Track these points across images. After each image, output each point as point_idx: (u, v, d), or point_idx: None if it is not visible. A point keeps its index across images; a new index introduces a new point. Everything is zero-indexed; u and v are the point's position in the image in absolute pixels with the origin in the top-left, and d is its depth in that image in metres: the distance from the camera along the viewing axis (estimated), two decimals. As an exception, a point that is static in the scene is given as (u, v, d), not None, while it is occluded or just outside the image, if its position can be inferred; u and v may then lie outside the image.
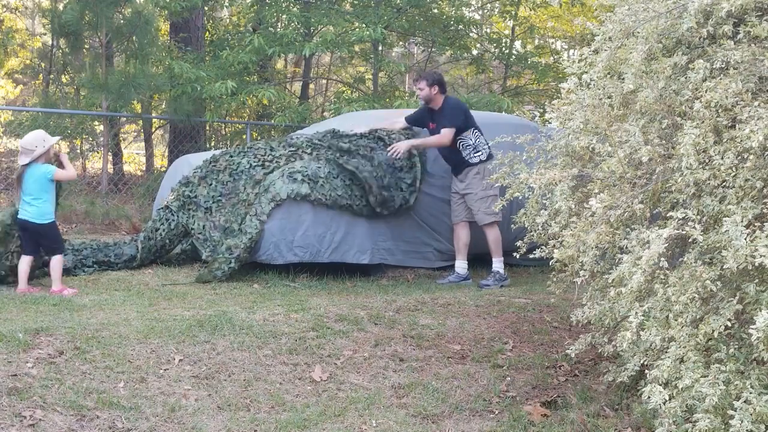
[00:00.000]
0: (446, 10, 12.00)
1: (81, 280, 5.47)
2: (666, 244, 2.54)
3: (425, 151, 6.37)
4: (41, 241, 5.25)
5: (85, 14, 8.54)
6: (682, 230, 2.55)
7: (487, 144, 6.01)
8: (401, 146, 6.05)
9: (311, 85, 14.69)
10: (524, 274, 6.57)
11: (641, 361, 2.83)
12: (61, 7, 9.27)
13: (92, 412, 3.17)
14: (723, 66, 2.78)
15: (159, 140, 15.41)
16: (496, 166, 4.34)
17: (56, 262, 5.18)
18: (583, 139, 3.21)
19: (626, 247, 2.79)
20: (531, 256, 3.68)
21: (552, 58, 13.27)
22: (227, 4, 11.85)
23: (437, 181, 6.40)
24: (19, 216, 5.21)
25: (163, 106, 11.07)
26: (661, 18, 3.00)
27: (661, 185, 2.85)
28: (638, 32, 3.06)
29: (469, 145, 6.07)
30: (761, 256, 2.27)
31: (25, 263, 5.18)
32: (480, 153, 6.06)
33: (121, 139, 12.72)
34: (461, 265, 6.22)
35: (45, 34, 13.45)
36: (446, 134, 6.04)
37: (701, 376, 2.44)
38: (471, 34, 12.53)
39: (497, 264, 6.10)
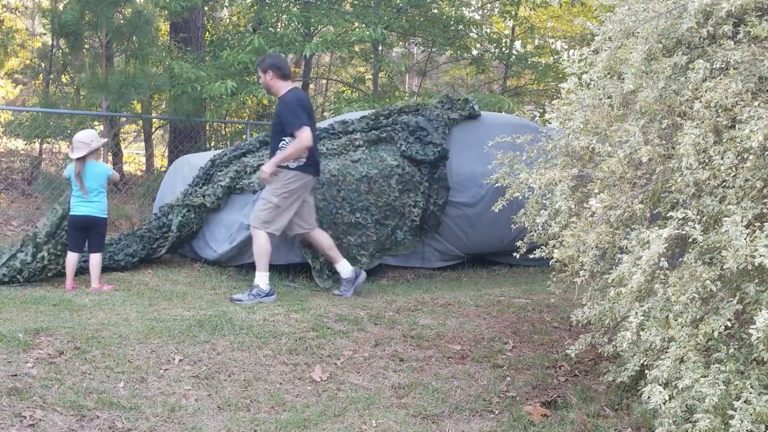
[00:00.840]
0: (446, 10, 12.00)
1: (81, 280, 5.47)
2: (666, 244, 2.54)
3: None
4: (92, 236, 5.38)
5: (85, 14, 8.53)
6: (682, 230, 2.55)
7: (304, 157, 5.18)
8: (266, 169, 5.13)
9: (311, 85, 14.68)
10: (524, 274, 6.57)
11: (641, 361, 2.82)
12: (61, 7, 9.26)
13: (92, 412, 3.17)
14: (723, 66, 2.78)
15: (159, 140, 15.41)
16: (496, 166, 4.34)
17: (97, 260, 5.35)
18: (583, 139, 3.21)
19: (626, 247, 2.79)
20: (531, 256, 3.68)
21: (552, 58, 13.26)
22: (227, 4, 11.84)
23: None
24: (76, 213, 5.34)
25: (163, 106, 11.05)
26: (661, 18, 3.00)
27: (661, 185, 2.85)
28: (638, 32, 3.06)
29: (279, 148, 5.20)
30: (761, 256, 2.27)
31: (74, 259, 5.34)
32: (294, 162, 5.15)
33: (121, 139, 12.70)
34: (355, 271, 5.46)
35: (45, 34, 13.44)
36: (301, 135, 5.03)
37: (701, 376, 2.44)
38: (471, 34, 12.53)
39: (258, 278, 5.14)
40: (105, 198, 5.45)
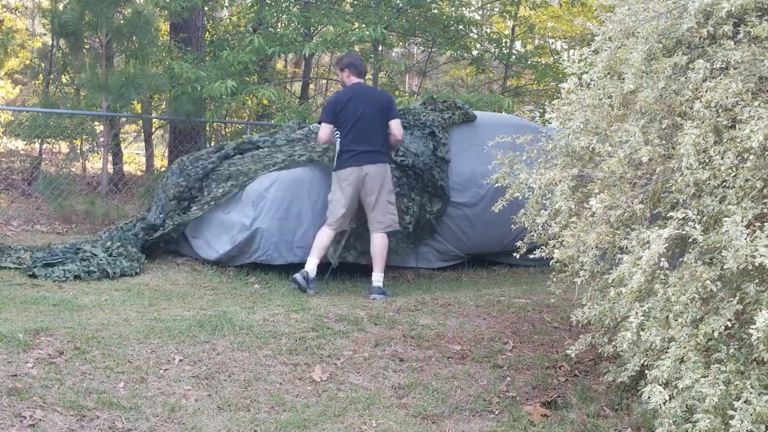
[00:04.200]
0: (446, 10, 11.99)
1: (81, 280, 5.46)
2: (666, 244, 2.54)
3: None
4: None
5: (85, 14, 8.53)
6: (682, 230, 2.55)
7: (337, 152, 5.61)
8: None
9: (311, 85, 14.69)
10: (524, 274, 6.57)
11: (641, 361, 2.82)
12: (61, 7, 9.25)
13: (92, 412, 3.17)
14: (723, 66, 2.77)
15: (159, 140, 15.41)
16: (496, 166, 4.33)
17: None
18: (583, 139, 3.20)
19: (626, 247, 2.79)
20: (531, 256, 3.68)
21: (552, 58, 13.26)
22: (227, 5, 11.83)
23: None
24: None
25: (163, 106, 11.06)
26: (661, 18, 3.00)
27: (661, 185, 2.85)
28: (638, 32, 3.06)
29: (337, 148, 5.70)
30: (761, 256, 2.27)
31: None
32: (337, 160, 5.65)
33: (121, 139, 12.70)
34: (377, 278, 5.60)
35: (45, 34, 13.44)
36: (319, 130, 5.82)
37: (701, 377, 2.44)
38: (471, 34, 12.53)
39: (309, 263, 5.54)
40: None
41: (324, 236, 5.58)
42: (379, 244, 5.60)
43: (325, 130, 5.69)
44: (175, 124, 10.20)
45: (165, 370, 3.67)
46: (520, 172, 3.63)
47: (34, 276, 5.43)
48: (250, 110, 12.90)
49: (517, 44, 13.88)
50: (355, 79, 5.74)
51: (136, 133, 14.50)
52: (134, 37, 8.94)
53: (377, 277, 5.52)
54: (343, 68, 5.79)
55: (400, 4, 10.74)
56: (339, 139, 5.63)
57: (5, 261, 5.70)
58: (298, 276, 5.41)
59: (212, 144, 11.82)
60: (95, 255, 5.80)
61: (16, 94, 15.95)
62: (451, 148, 6.53)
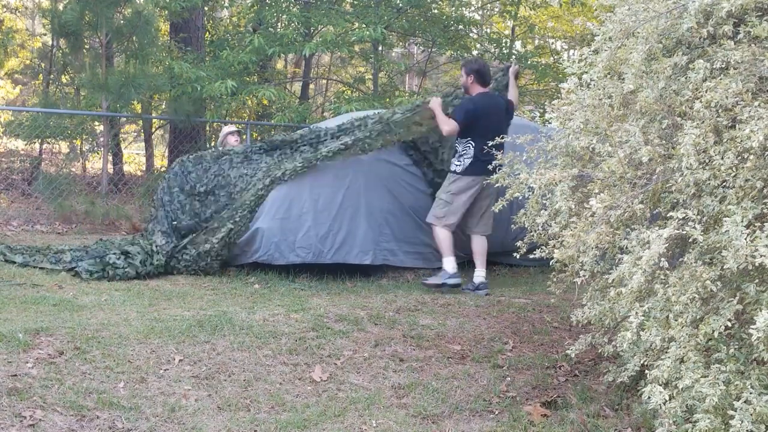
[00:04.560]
0: (446, 11, 11.99)
1: (81, 280, 5.47)
2: (666, 244, 2.53)
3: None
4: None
5: (85, 14, 8.54)
6: (682, 230, 2.55)
7: (471, 159, 5.69)
8: (433, 102, 5.95)
9: (311, 85, 14.69)
10: (524, 274, 6.57)
11: (641, 361, 2.82)
12: (61, 7, 9.26)
13: (92, 412, 3.17)
14: (723, 66, 2.77)
15: (159, 140, 15.42)
16: (496, 166, 4.33)
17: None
18: (583, 139, 3.20)
19: (626, 247, 2.78)
20: (531, 256, 3.67)
21: (552, 58, 13.26)
22: (227, 5, 11.84)
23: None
24: None
25: (163, 106, 11.07)
26: (661, 18, 3.00)
27: (661, 185, 2.85)
28: (638, 32, 3.06)
29: (456, 150, 5.80)
30: (761, 256, 2.27)
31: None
32: (459, 164, 5.74)
33: (121, 139, 12.71)
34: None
35: (45, 34, 13.46)
36: (446, 121, 5.79)
37: (701, 377, 2.44)
38: (471, 34, 12.53)
39: (445, 263, 5.79)
40: None
41: (447, 235, 5.80)
42: (483, 244, 5.89)
43: (453, 129, 5.73)
44: (175, 124, 10.21)
45: (165, 370, 3.67)
46: (520, 172, 3.62)
47: (77, 274, 5.61)
48: (250, 110, 12.91)
49: (517, 44, 13.88)
50: (479, 88, 5.86)
51: (136, 133, 14.51)
52: (134, 37, 8.95)
53: (481, 272, 5.81)
54: (469, 73, 5.85)
55: (400, 4, 10.75)
56: (471, 145, 5.68)
57: (42, 262, 5.84)
58: (449, 281, 5.69)
59: (212, 144, 11.85)
60: (129, 253, 5.87)
61: (16, 94, 15.96)
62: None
